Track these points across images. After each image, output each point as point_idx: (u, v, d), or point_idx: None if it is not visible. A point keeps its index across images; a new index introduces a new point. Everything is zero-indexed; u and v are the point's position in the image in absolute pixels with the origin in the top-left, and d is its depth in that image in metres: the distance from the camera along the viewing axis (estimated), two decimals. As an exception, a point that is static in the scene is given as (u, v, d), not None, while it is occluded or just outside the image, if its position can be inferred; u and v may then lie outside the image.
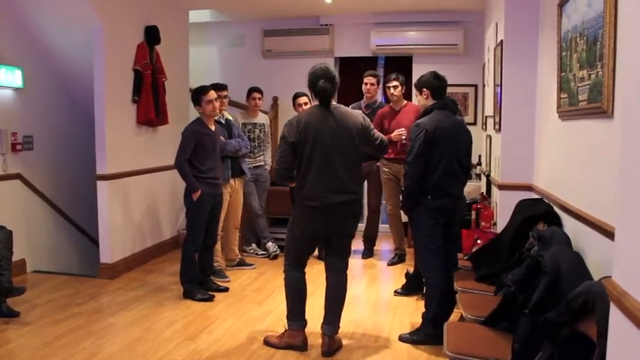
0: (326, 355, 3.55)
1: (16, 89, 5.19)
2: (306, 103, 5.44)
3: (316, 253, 5.40)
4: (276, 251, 5.87)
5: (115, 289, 4.91)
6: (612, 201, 2.39)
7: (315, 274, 4.34)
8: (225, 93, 5.20)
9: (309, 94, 3.74)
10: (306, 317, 3.69)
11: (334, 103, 3.54)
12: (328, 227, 3.52)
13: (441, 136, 3.63)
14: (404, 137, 5.25)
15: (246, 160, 5.48)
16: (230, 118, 5.38)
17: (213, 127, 4.69)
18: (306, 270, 3.69)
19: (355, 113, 3.56)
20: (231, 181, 5.18)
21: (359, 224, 7.12)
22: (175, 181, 5.05)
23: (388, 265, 5.75)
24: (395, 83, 5.44)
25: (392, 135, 5.38)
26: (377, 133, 3.63)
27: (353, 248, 6.28)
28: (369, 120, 3.59)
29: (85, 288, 4.93)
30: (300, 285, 3.64)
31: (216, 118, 4.89)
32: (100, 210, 5.19)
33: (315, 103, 3.55)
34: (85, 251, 6.13)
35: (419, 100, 3.93)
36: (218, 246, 5.17)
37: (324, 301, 3.64)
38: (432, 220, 3.68)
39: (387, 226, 6.06)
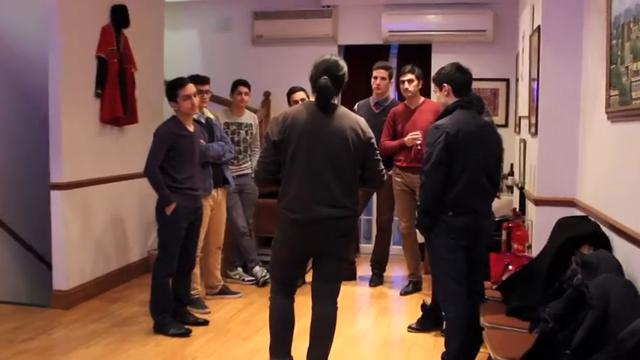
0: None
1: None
2: (303, 100, 5.45)
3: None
4: (265, 277, 5.85)
5: (70, 322, 4.88)
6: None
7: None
8: (206, 87, 5.21)
9: (308, 88, 3.75)
10: (294, 353, 3.69)
11: (334, 101, 3.55)
12: (312, 245, 3.53)
13: (464, 141, 3.63)
14: (419, 142, 5.26)
15: (230, 167, 5.49)
16: (212, 116, 5.39)
17: (191, 128, 4.69)
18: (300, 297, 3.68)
19: (356, 118, 3.57)
20: (213, 192, 5.18)
21: (368, 245, 7.28)
22: (146, 192, 5.04)
23: (401, 294, 5.74)
24: (410, 77, 5.46)
25: (405, 139, 5.39)
26: (378, 155, 3.60)
27: (360, 273, 6.47)
28: (372, 133, 3.58)
29: (34, 320, 4.90)
30: (285, 314, 3.65)
31: (195, 116, 4.89)
32: (53, 225, 5.18)
33: (313, 99, 3.57)
34: (34, 275, 6.10)
35: (438, 97, 3.94)
36: (197, 270, 5.15)
37: (309, 334, 3.65)
38: (454, 241, 3.67)
39: (400, 247, 6.05)
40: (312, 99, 3.58)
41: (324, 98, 3.47)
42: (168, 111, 5.19)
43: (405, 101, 5.60)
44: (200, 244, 5.06)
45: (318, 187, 3.44)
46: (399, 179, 5.59)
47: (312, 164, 3.43)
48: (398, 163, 5.56)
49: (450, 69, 3.85)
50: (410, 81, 5.45)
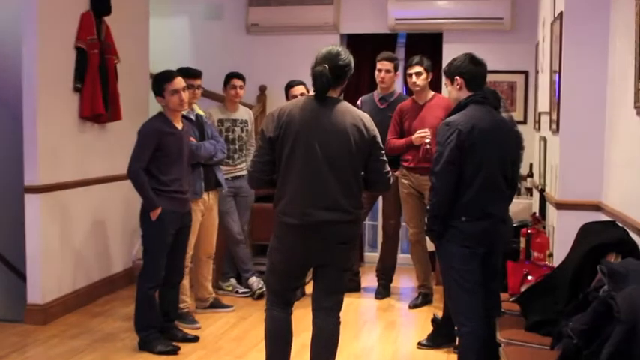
0: None
1: None
2: (302, 95, 5.44)
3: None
4: (261, 288, 5.84)
5: (48, 338, 4.87)
6: None
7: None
8: (197, 82, 5.22)
9: (308, 82, 3.74)
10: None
11: (336, 96, 3.54)
12: (311, 253, 3.53)
13: (478, 139, 3.62)
14: (428, 140, 5.26)
15: (222, 168, 5.49)
16: (202, 113, 5.39)
17: (180, 125, 4.69)
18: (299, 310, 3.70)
19: (359, 114, 3.55)
20: (204, 195, 5.18)
21: (373, 253, 7.28)
22: (131, 196, 5.04)
23: (410, 307, 5.74)
24: (418, 69, 5.46)
25: (413, 137, 5.40)
26: (384, 155, 3.60)
27: (365, 284, 6.47)
28: (377, 131, 3.57)
29: (7, 336, 4.89)
30: (282, 328, 3.64)
31: (184, 113, 4.90)
32: (28, 233, 5.17)
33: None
34: (7, 287, 6.09)
35: (450, 91, 3.93)
36: (186, 282, 5.15)
37: (309, 351, 3.64)
38: (467, 249, 3.66)
39: (408, 256, 6.05)
40: (312, 93, 3.57)
41: (319, 87, 3.44)
42: (154, 107, 5.19)
43: (413, 96, 5.60)
44: (189, 252, 5.06)
45: (317, 190, 3.43)
46: (406, 181, 5.59)
47: (310, 164, 3.42)
48: (405, 164, 5.56)
49: (463, 60, 3.84)
50: (418, 74, 5.45)
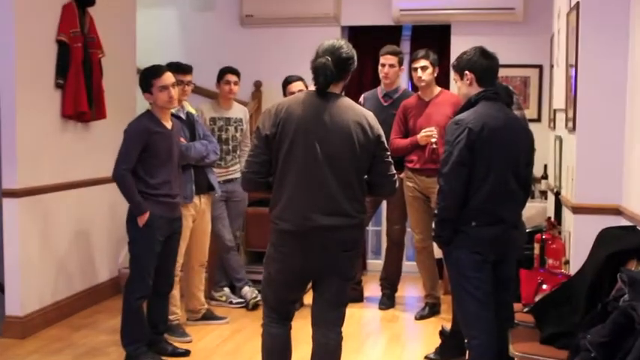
0: None
1: None
2: (301, 91, 5.44)
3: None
4: (256, 298, 5.86)
5: (27, 354, 4.87)
6: None
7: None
8: (188, 78, 5.24)
9: (307, 78, 3.74)
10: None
11: (337, 92, 3.54)
12: (311, 262, 3.50)
13: (489, 138, 3.63)
14: (435, 139, 5.26)
15: (215, 170, 5.50)
16: (193, 111, 5.40)
17: (169, 124, 4.69)
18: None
19: (363, 112, 3.56)
20: (195, 199, 5.18)
21: (377, 261, 7.27)
22: (117, 200, 5.04)
23: (416, 319, 5.75)
24: (424, 63, 5.47)
25: (418, 136, 5.40)
26: (389, 156, 3.59)
27: (367, 294, 6.47)
28: (381, 130, 3.57)
29: (-15, 351, 4.89)
30: (280, 345, 3.64)
31: (173, 111, 4.90)
32: (6, 240, 5.18)
33: (313, 89, 3.56)
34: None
35: (459, 87, 3.95)
36: (176, 292, 5.15)
37: None
38: (478, 256, 3.67)
39: (414, 263, 6.05)
40: (312, 89, 3.58)
41: (322, 80, 3.43)
42: (141, 105, 5.20)
43: (419, 92, 5.62)
44: (180, 260, 5.06)
45: (317, 193, 3.42)
46: (411, 184, 5.59)
47: (309, 164, 3.41)
48: (410, 165, 5.57)
49: (473, 54, 3.85)
50: (424, 68, 5.46)
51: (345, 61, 3.48)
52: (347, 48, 3.50)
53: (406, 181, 5.61)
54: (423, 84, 5.50)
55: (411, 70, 5.61)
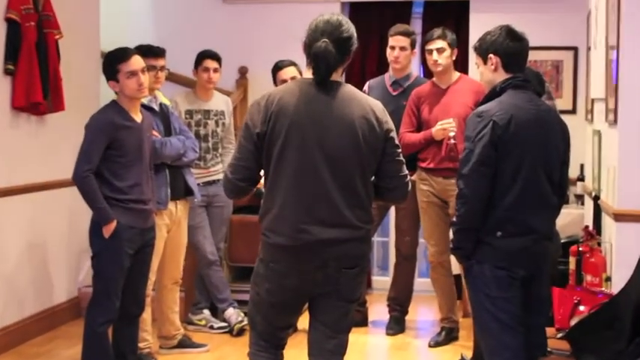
0: None
1: None
2: (294, 79, 5.48)
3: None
4: (241, 322, 5.88)
5: (-29, 388, 4.92)
6: None
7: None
8: (160, 62, 5.25)
9: (301, 63, 3.77)
10: None
11: (338, 79, 3.52)
12: (308, 282, 3.45)
13: (518, 134, 3.63)
14: (453, 134, 5.30)
15: (194, 171, 5.53)
16: (167, 102, 5.42)
17: (139, 117, 4.70)
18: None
19: (369, 103, 3.50)
20: (171, 205, 5.21)
21: (384, 278, 7.23)
22: (78, 207, 5.08)
23: (431, 346, 5.75)
24: (441, 44, 5.49)
25: (433, 130, 5.41)
26: (400, 155, 3.55)
27: (373, 318, 6.44)
28: (392, 124, 3.54)
29: None
30: None
31: (144, 101, 4.92)
32: (-54, 254, 5.21)
33: (308, 75, 3.51)
34: None
35: (481, 73, 3.94)
36: (147, 315, 5.16)
37: None
38: (504, 272, 3.67)
39: (428, 281, 6.07)
40: (307, 75, 3.52)
41: (323, 69, 3.36)
42: (106, 95, 5.21)
43: (434, 78, 5.65)
44: (152, 278, 5.08)
45: (315, 200, 3.38)
46: (425, 187, 5.61)
47: (306, 166, 3.38)
48: (423, 165, 5.61)
49: (499, 35, 3.81)
50: (440, 50, 5.48)
51: (347, 41, 3.43)
52: (347, 25, 3.44)
53: (419, 184, 5.61)
54: (439, 68, 5.51)
55: (425, 52, 5.62)
